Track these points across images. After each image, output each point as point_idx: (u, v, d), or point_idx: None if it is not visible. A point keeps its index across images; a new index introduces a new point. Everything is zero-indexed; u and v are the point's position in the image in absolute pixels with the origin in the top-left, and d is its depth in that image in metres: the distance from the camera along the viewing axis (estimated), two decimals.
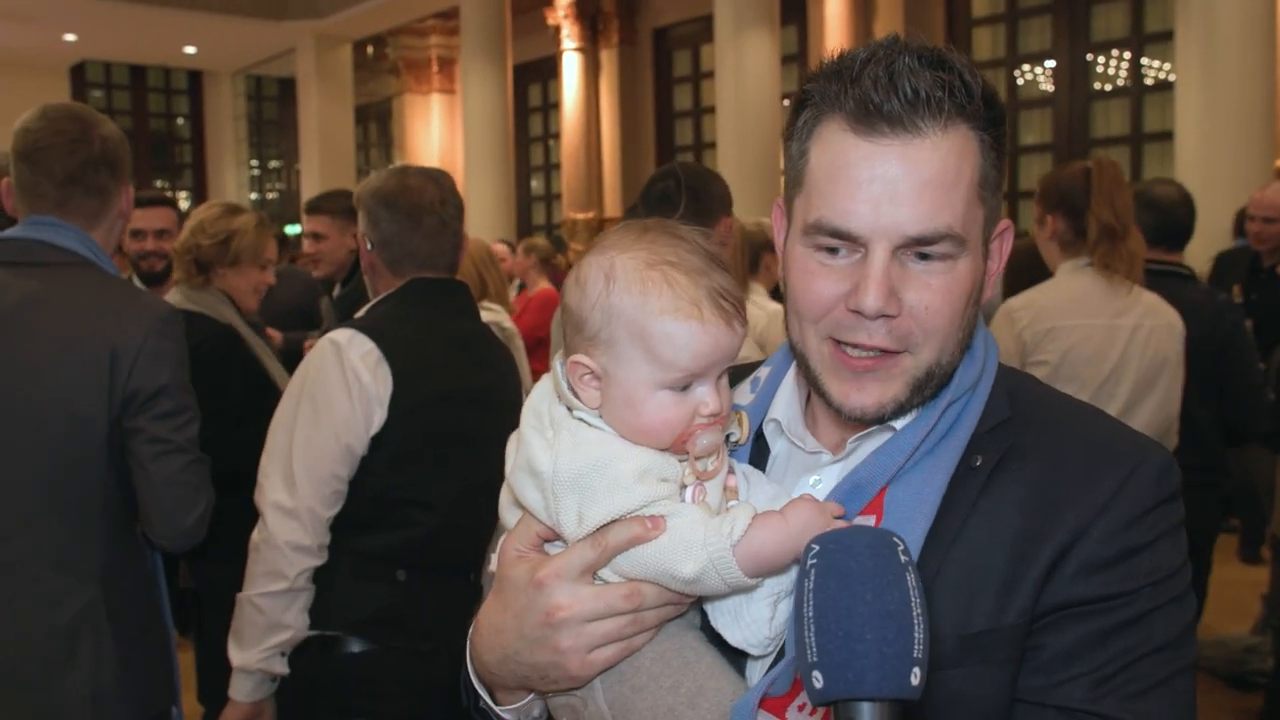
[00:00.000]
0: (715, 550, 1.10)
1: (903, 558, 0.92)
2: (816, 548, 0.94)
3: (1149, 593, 1.11)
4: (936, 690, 1.09)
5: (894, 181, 1.10)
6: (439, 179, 2.77)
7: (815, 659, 0.89)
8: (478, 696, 1.29)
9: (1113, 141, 12.21)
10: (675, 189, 3.09)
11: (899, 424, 1.20)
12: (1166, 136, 10.25)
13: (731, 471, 1.23)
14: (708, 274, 1.16)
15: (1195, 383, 4.11)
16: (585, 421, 1.19)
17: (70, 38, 17.72)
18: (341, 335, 2.55)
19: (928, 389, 1.17)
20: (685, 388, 1.16)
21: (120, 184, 2.59)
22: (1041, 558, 1.11)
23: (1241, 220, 6.38)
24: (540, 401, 1.23)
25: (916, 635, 0.89)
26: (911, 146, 1.10)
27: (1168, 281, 4.22)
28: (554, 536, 1.20)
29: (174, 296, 3.63)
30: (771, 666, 1.16)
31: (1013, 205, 12.58)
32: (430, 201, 2.70)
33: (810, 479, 1.26)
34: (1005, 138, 1.17)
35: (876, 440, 1.22)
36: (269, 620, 2.46)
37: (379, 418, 2.52)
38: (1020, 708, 1.12)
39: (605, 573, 1.17)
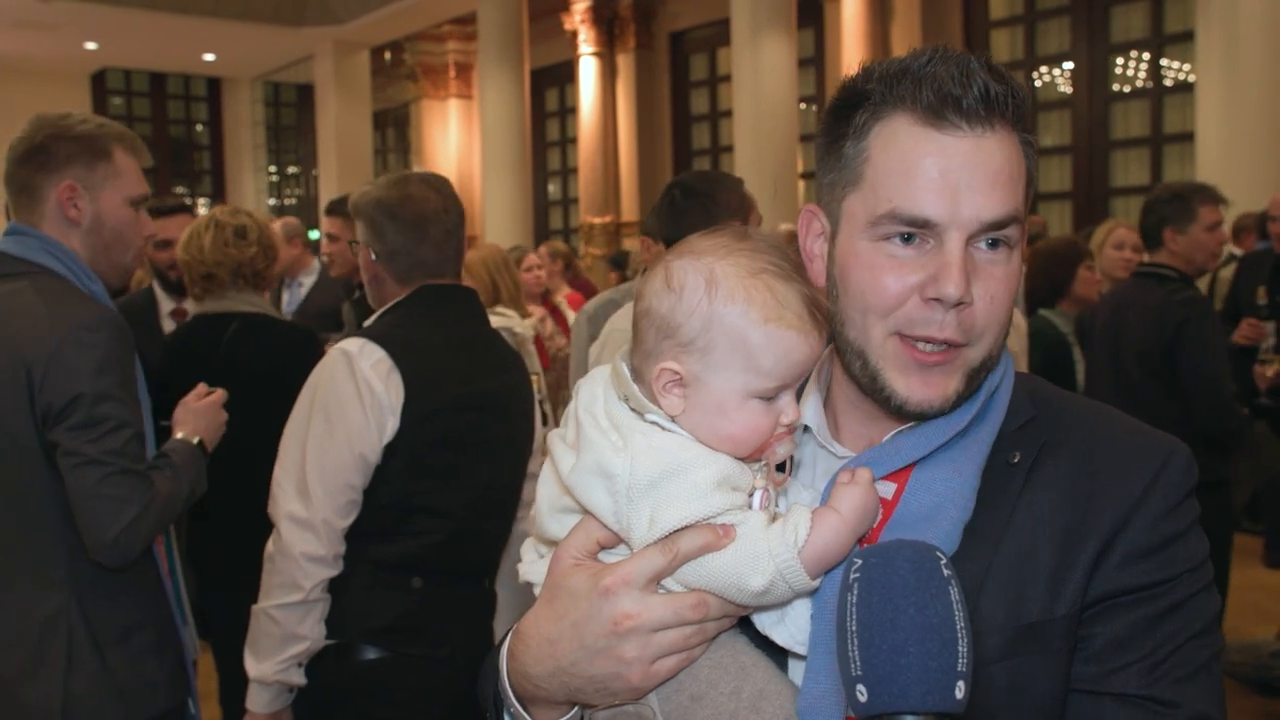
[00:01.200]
0: (783, 560, 1.10)
1: (945, 571, 0.93)
2: (859, 561, 0.95)
3: (1188, 579, 1.16)
4: (995, 683, 1.11)
5: (970, 170, 1.15)
6: (439, 186, 2.75)
7: (859, 673, 0.90)
8: (506, 709, 1.24)
9: (1132, 143, 12.14)
10: (682, 196, 3.11)
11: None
12: (1187, 138, 10.17)
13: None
14: (800, 283, 1.17)
15: (1153, 380, 4.18)
16: (659, 425, 1.17)
17: (91, 46, 17.86)
18: (352, 345, 2.54)
19: (976, 381, 1.21)
20: (773, 398, 1.17)
21: (51, 178, 2.50)
22: (1087, 549, 1.15)
23: (1264, 222, 6.34)
24: (594, 403, 1.21)
25: (960, 649, 0.89)
26: (984, 139, 1.16)
27: (1144, 283, 4.37)
28: (616, 543, 1.18)
29: (232, 303, 3.62)
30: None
31: (1032, 206, 12.50)
32: (435, 210, 2.69)
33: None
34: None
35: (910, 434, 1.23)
36: (285, 632, 2.46)
37: (392, 426, 2.51)
38: (1075, 698, 1.14)
39: (668, 582, 1.15)
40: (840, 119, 1.24)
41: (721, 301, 1.14)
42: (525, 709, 1.23)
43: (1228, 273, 6.58)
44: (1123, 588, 1.14)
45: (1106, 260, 5.70)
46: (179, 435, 2.69)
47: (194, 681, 2.73)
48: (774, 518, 1.16)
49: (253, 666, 2.49)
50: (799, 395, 1.32)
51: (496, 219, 14.14)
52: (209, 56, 19.21)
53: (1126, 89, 12.16)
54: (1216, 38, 8.15)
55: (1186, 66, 11.25)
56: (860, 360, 1.22)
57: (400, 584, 2.56)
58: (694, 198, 3.07)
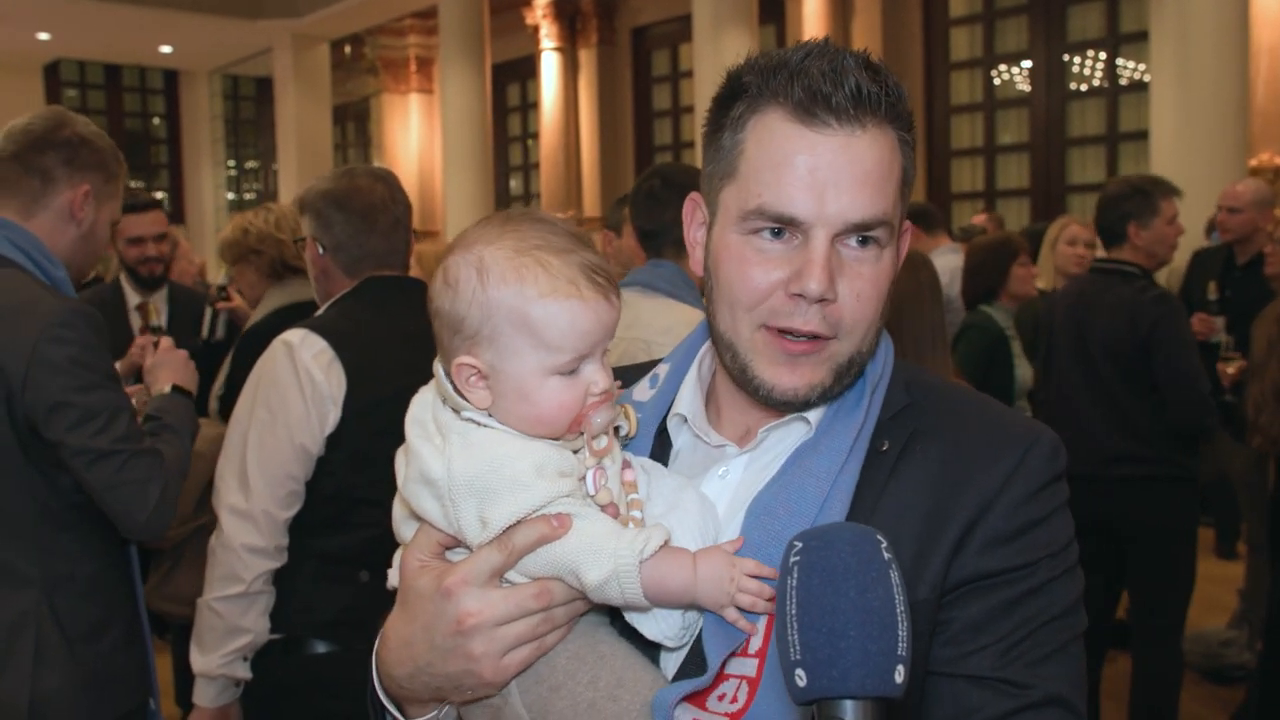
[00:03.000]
0: (624, 562, 1.10)
1: (886, 554, 0.92)
2: (800, 545, 0.94)
3: (1047, 564, 1.17)
4: None
5: (838, 170, 1.14)
6: (386, 178, 2.74)
7: (798, 657, 0.89)
8: (385, 711, 1.26)
9: (1089, 141, 12.28)
10: (662, 186, 3.05)
11: (811, 415, 1.24)
12: (1142, 136, 10.31)
13: (629, 465, 1.23)
14: (577, 252, 1.17)
15: (1122, 376, 4.23)
16: (475, 422, 1.17)
17: (44, 36, 17.54)
18: (294, 335, 2.52)
19: (847, 377, 1.22)
20: (574, 370, 1.17)
21: (73, 177, 2.54)
22: (949, 533, 1.16)
23: (1214, 222, 6.45)
24: (422, 411, 1.23)
25: (900, 633, 0.89)
26: (855, 138, 1.15)
27: (1107, 279, 4.37)
28: (455, 544, 1.18)
29: (279, 298, 3.66)
30: (686, 658, 1.17)
31: (990, 203, 12.64)
32: (382, 200, 2.67)
33: (718, 470, 1.27)
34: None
35: (786, 429, 1.25)
36: (227, 625, 2.43)
37: (333, 417, 2.49)
38: (932, 680, 1.15)
39: (511, 574, 1.16)
40: (721, 109, 1.25)
41: (494, 286, 1.15)
42: (400, 709, 1.25)
43: (1180, 263, 6.68)
44: (982, 572, 1.15)
45: (1060, 256, 5.76)
46: (156, 391, 2.73)
47: (155, 678, 2.71)
48: (627, 521, 1.16)
49: (197, 660, 2.47)
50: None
51: (458, 214, 14.06)
52: (165, 48, 18.93)
53: (1083, 88, 12.30)
54: (1170, 38, 8.26)
55: (1141, 66, 11.41)
56: (730, 352, 1.23)
57: (347, 577, 2.54)
58: (674, 189, 3.01)
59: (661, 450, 1.32)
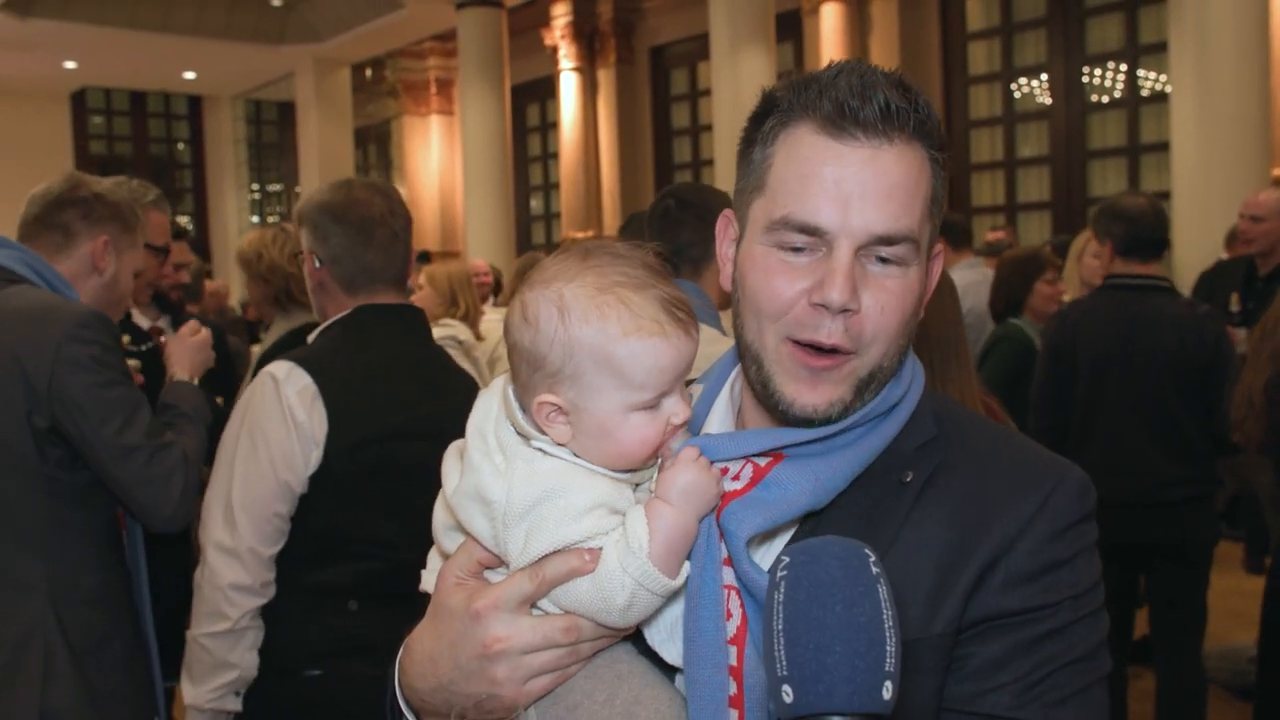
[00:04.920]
0: (636, 569, 1.10)
1: (874, 569, 0.91)
2: (787, 559, 0.93)
3: (1070, 605, 1.14)
4: None
5: (863, 182, 1.14)
6: (386, 191, 2.68)
7: (785, 672, 0.88)
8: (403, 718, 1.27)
9: (1109, 153, 12.22)
10: (677, 207, 2.99)
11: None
12: (1163, 147, 10.25)
13: None
14: (656, 287, 1.17)
15: (1181, 396, 4.11)
16: (543, 451, 1.17)
17: (71, 65, 17.80)
18: (280, 369, 2.46)
19: (867, 393, 1.20)
20: (656, 405, 1.16)
21: (92, 230, 2.68)
22: (969, 569, 1.14)
23: (1233, 234, 6.40)
24: (485, 422, 1.21)
25: (888, 648, 0.87)
26: (881, 152, 1.15)
27: (1149, 295, 4.23)
28: (497, 564, 1.18)
29: (283, 326, 3.76)
30: None
31: (1011, 217, 12.59)
32: (380, 214, 2.60)
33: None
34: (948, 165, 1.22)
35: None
36: (215, 659, 2.41)
37: (315, 456, 2.43)
38: (948, 716, 1.13)
39: (543, 603, 1.15)
40: (754, 126, 1.26)
41: (577, 325, 1.13)
42: (418, 718, 1.25)
43: (1191, 274, 6.63)
44: (1002, 610, 1.13)
45: (1085, 269, 5.72)
46: (177, 377, 2.84)
47: (161, 698, 2.72)
48: None
49: (188, 692, 2.44)
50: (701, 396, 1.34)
51: (479, 235, 14.13)
52: (189, 74, 19.16)
53: (1103, 100, 12.25)
54: (1189, 48, 8.22)
55: (1162, 77, 11.36)
56: (756, 365, 1.23)
57: (337, 609, 2.50)
58: (689, 209, 2.96)
59: None
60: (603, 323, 1.13)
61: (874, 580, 0.90)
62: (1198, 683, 4.29)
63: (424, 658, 1.21)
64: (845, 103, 1.15)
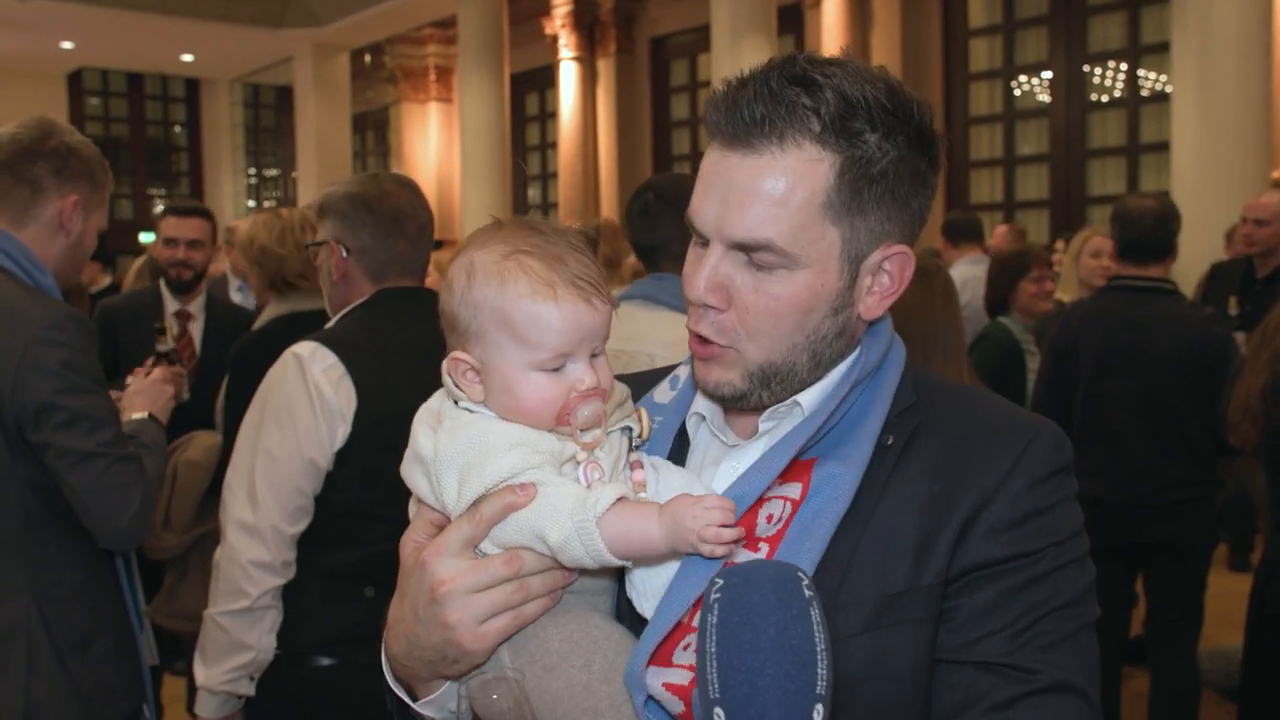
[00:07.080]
0: (580, 520, 1.14)
1: (807, 592, 0.94)
2: (720, 581, 0.95)
3: (1053, 552, 1.17)
4: (858, 654, 1.13)
5: (731, 188, 1.19)
6: (410, 185, 2.73)
7: (717, 695, 0.90)
8: (398, 699, 1.30)
9: (1109, 152, 12.23)
10: (656, 200, 3.00)
11: (804, 400, 1.26)
12: (1163, 147, 10.25)
13: (640, 465, 1.27)
14: (562, 259, 1.24)
15: (1186, 397, 4.11)
16: (469, 409, 1.26)
17: (68, 45, 17.74)
18: (304, 348, 2.48)
19: (774, 383, 1.24)
20: (558, 368, 1.24)
21: (63, 187, 2.57)
22: (952, 522, 1.17)
23: (1232, 235, 6.40)
24: (433, 401, 1.32)
25: (820, 672, 0.89)
26: (748, 161, 1.18)
27: (1152, 297, 4.22)
28: (446, 522, 1.24)
29: (278, 308, 3.70)
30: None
31: (1009, 214, 12.60)
32: (410, 206, 2.66)
33: (730, 464, 1.30)
34: (881, 161, 1.19)
35: (787, 419, 1.27)
36: (232, 640, 2.41)
37: (342, 433, 2.46)
38: (940, 667, 1.16)
39: (487, 546, 1.21)
40: None
41: (479, 287, 1.24)
42: (408, 691, 1.30)
43: (1194, 274, 6.63)
44: (986, 560, 1.16)
45: (1084, 269, 5.71)
46: (134, 416, 2.75)
47: (149, 687, 2.71)
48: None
49: (200, 673, 2.45)
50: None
51: (476, 223, 13.86)
52: (187, 57, 19.10)
53: (1104, 99, 12.25)
54: (1192, 49, 8.22)
55: (1163, 77, 11.35)
56: None
57: (353, 594, 2.52)
58: (667, 202, 2.97)
59: (681, 449, 1.37)
60: (501, 285, 1.23)
61: (807, 604, 0.93)
62: (1191, 684, 4.30)
63: (394, 622, 1.27)
64: (713, 114, 1.20)
